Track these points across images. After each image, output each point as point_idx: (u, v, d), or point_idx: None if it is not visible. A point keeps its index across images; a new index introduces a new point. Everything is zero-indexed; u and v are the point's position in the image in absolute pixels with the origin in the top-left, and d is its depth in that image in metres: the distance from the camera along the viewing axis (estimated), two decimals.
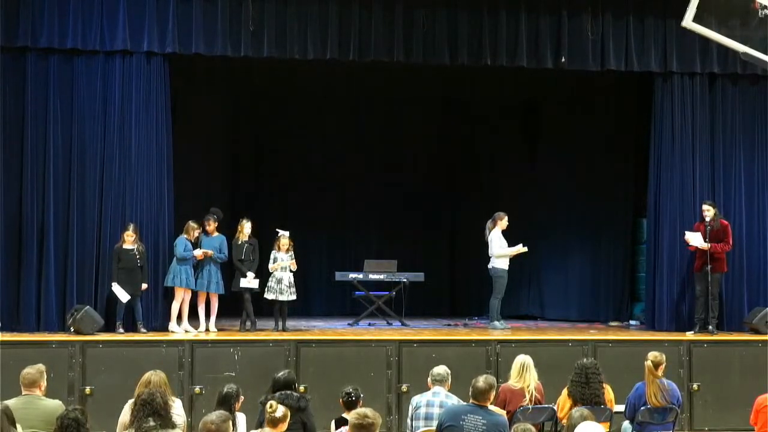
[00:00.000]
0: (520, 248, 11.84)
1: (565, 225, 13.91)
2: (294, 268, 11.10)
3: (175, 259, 10.71)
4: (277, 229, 11.19)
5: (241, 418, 6.68)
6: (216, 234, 11.10)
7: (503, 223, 11.86)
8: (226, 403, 6.57)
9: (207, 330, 10.90)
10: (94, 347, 9.80)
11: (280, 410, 5.92)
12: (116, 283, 10.47)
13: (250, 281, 10.99)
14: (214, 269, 10.96)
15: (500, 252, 11.72)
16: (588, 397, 7.31)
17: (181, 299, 10.75)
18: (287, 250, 11.05)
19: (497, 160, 14.69)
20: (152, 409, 5.60)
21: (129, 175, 10.81)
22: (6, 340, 9.70)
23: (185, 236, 10.79)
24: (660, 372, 7.63)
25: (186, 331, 10.71)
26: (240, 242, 11.14)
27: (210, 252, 10.88)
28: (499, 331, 11.40)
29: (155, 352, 9.80)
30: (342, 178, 14.60)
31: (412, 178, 14.87)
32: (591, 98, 13.54)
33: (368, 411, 5.08)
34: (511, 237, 11.98)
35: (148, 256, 10.72)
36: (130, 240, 10.49)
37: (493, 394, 6.48)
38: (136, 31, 10.72)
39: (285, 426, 5.93)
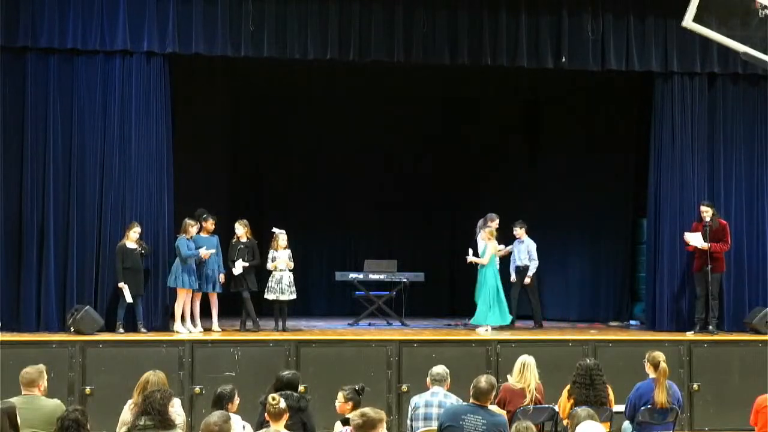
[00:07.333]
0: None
1: (565, 225, 13.91)
2: (291, 266, 11.09)
3: (177, 259, 10.68)
4: (273, 229, 11.19)
5: (234, 419, 6.65)
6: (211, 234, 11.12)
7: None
8: (218, 403, 6.55)
9: (210, 330, 10.88)
10: (94, 347, 9.80)
11: (283, 403, 5.96)
12: (123, 283, 10.44)
13: (238, 268, 10.92)
14: (215, 269, 10.96)
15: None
16: (592, 399, 7.29)
17: (183, 300, 10.74)
18: (285, 248, 11.05)
19: (497, 159, 14.68)
20: (152, 409, 5.60)
21: (129, 175, 10.81)
22: (6, 340, 9.70)
23: (185, 236, 10.76)
24: None
25: (189, 331, 10.66)
26: (233, 243, 11.14)
27: (213, 250, 10.88)
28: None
29: (155, 352, 9.80)
30: (342, 177, 14.59)
31: (412, 177, 14.88)
32: (591, 98, 13.53)
33: (368, 409, 5.04)
34: (510, 237, 12.10)
35: (147, 255, 10.72)
36: (134, 237, 10.48)
37: (493, 394, 6.50)
38: (136, 31, 10.72)
39: (284, 420, 5.98)
